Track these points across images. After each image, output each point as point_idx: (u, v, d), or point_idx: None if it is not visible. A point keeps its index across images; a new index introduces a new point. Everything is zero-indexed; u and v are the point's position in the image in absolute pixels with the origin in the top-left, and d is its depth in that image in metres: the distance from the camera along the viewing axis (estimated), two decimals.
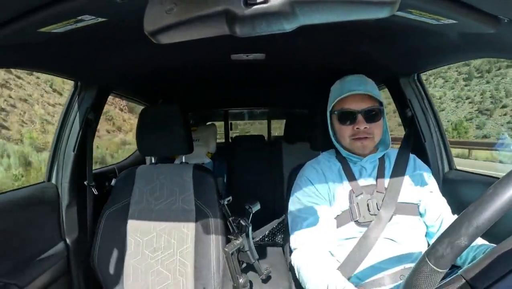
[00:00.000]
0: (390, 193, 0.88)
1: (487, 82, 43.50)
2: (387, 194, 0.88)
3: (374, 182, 0.92)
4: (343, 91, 0.92)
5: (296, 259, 0.87)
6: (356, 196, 0.89)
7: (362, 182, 0.92)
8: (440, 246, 0.37)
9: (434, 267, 0.37)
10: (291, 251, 0.94)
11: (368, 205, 0.88)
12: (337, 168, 0.96)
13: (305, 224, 0.89)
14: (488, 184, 0.39)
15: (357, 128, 0.90)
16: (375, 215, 0.86)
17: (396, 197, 0.88)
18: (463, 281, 0.39)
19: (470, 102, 43.37)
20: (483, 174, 1.09)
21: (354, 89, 0.90)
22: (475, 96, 43.54)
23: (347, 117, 0.91)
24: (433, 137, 1.21)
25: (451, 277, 0.41)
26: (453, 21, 0.61)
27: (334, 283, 0.74)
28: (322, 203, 0.91)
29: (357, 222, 0.87)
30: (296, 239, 0.90)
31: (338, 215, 0.90)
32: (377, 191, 0.90)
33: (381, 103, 0.92)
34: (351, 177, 0.93)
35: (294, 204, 0.96)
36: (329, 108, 0.97)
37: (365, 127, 0.89)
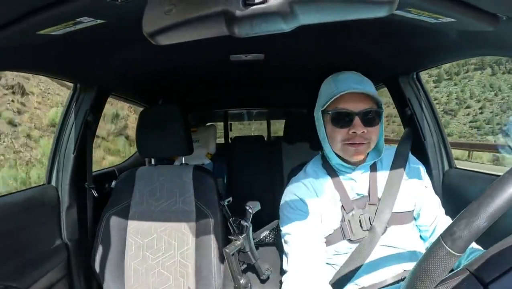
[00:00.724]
0: (384, 203, 0.82)
1: (455, 84, 45.80)
2: (380, 205, 0.82)
3: (366, 194, 0.85)
4: (338, 88, 0.80)
5: (285, 285, 0.80)
6: (347, 213, 0.83)
7: (353, 195, 0.85)
8: (457, 227, 0.35)
9: (450, 250, 0.35)
10: None
11: (360, 221, 0.81)
12: (327, 183, 0.87)
13: (296, 245, 0.82)
14: (488, 182, 0.39)
15: (353, 132, 0.79)
16: (367, 230, 0.81)
17: (390, 207, 0.81)
18: (468, 273, 0.38)
19: (437, 103, 45.37)
20: (484, 172, 1.09)
21: (352, 87, 0.79)
22: (442, 97, 45.66)
23: (342, 118, 0.80)
24: (433, 135, 1.21)
25: (456, 270, 0.40)
26: (451, 20, 0.61)
27: None
28: (313, 223, 0.83)
29: (349, 240, 0.82)
30: (287, 261, 0.84)
31: (330, 234, 0.83)
32: (369, 204, 0.83)
33: (380, 105, 0.81)
34: (342, 192, 0.85)
35: (284, 222, 0.87)
36: (319, 108, 0.85)
37: (363, 131, 0.78)
